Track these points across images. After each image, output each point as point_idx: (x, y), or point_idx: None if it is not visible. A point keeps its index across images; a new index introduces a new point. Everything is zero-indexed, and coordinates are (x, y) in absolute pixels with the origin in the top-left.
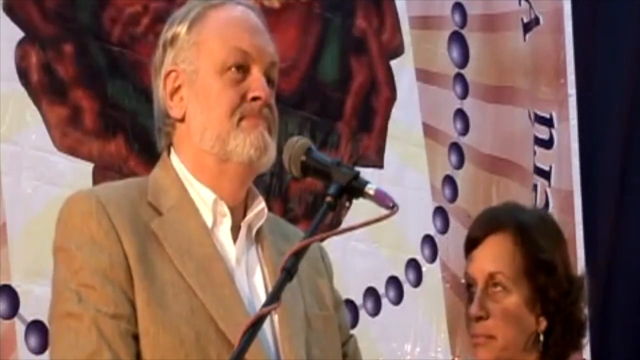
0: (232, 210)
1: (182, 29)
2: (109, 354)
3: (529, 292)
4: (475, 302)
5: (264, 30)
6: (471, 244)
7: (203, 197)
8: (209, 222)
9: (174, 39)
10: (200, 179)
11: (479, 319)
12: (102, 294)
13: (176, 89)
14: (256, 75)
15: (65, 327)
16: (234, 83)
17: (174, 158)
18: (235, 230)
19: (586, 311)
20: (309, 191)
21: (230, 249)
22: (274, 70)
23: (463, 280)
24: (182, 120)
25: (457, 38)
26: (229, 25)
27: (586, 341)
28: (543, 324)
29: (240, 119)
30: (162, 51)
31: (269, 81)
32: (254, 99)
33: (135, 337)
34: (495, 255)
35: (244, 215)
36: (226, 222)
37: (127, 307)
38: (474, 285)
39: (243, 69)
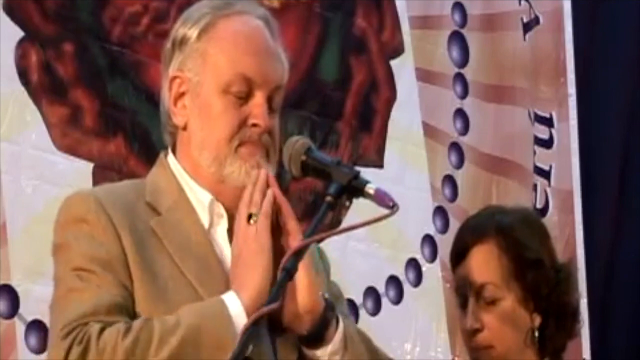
0: (232, 208)
1: (192, 34)
2: (105, 317)
3: (521, 292)
4: (469, 315)
5: (272, 50)
6: (457, 256)
7: (200, 198)
8: (205, 223)
9: (183, 41)
10: (198, 182)
11: (475, 331)
12: (103, 278)
13: (181, 94)
14: (258, 101)
15: (67, 299)
16: (236, 106)
17: (172, 160)
18: (232, 231)
19: (578, 296)
20: (309, 191)
21: (226, 249)
22: (278, 93)
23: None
24: (184, 128)
25: (457, 38)
26: (237, 43)
27: (582, 325)
28: (537, 319)
29: (239, 145)
30: (171, 48)
31: (273, 104)
32: (254, 125)
33: (132, 317)
34: (482, 266)
35: None
36: (223, 223)
37: (128, 297)
38: (465, 297)
39: (246, 93)
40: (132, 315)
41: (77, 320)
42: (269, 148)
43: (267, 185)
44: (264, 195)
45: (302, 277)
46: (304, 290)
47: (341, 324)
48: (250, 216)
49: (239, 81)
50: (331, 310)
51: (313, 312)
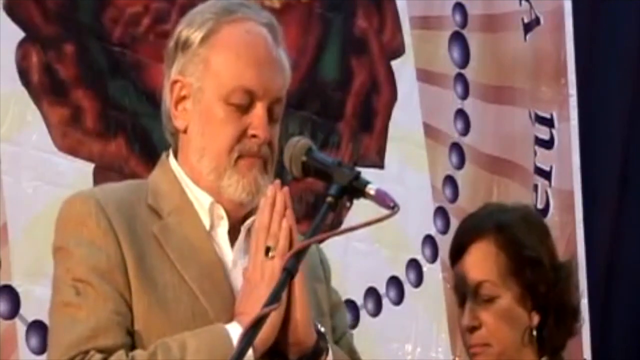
0: (231, 213)
1: (195, 38)
2: (104, 340)
3: (519, 290)
4: (466, 313)
5: (275, 60)
6: (456, 254)
7: (200, 200)
8: (206, 225)
9: (186, 44)
10: (198, 184)
11: (472, 329)
12: (99, 291)
13: (182, 98)
14: (259, 112)
15: (63, 314)
16: (237, 115)
17: (173, 161)
18: (234, 232)
19: (578, 295)
20: (310, 191)
21: (227, 251)
22: (279, 104)
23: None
24: (185, 131)
25: (458, 38)
26: (239, 54)
27: (581, 324)
28: (536, 318)
29: (239, 157)
30: (174, 49)
31: (274, 114)
32: (254, 136)
33: (131, 335)
34: (480, 264)
35: (245, 216)
36: (223, 225)
37: (125, 307)
38: (463, 295)
39: (247, 103)
40: (131, 328)
41: (77, 345)
42: (267, 159)
43: (285, 208)
44: (281, 226)
45: (297, 311)
46: (297, 325)
47: (330, 356)
48: (268, 249)
49: (240, 93)
50: (323, 341)
51: (303, 344)
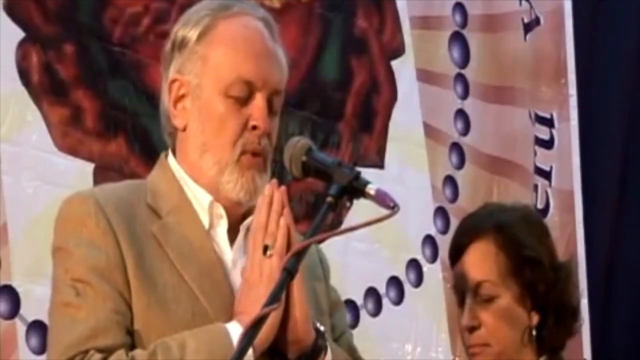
0: (230, 212)
1: (192, 36)
2: (104, 340)
3: (518, 290)
4: (466, 313)
5: (272, 53)
6: (455, 254)
7: (200, 199)
8: (205, 224)
9: (183, 43)
10: (198, 182)
11: (472, 329)
12: (99, 290)
13: (180, 97)
14: (259, 103)
15: (63, 314)
16: (237, 108)
17: (172, 160)
18: (233, 231)
19: (578, 295)
20: (310, 191)
21: (227, 250)
22: (278, 97)
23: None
24: (184, 130)
25: (458, 38)
26: (237, 47)
27: (581, 324)
28: (535, 318)
29: (242, 153)
30: (170, 50)
31: (273, 107)
32: (254, 127)
33: (131, 334)
34: (479, 264)
35: (244, 215)
36: (223, 224)
37: (124, 306)
38: (463, 295)
39: (246, 95)
40: (130, 328)
41: (77, 345)
42: (266, 154)
43: (282, 207)
44: (279, 224)
45: (295, 310)
46: (295, 324)
47: (329, 354)
48: (266, 248)
49: (240, 85)
50: (322, 339)
51: (302, 342)
